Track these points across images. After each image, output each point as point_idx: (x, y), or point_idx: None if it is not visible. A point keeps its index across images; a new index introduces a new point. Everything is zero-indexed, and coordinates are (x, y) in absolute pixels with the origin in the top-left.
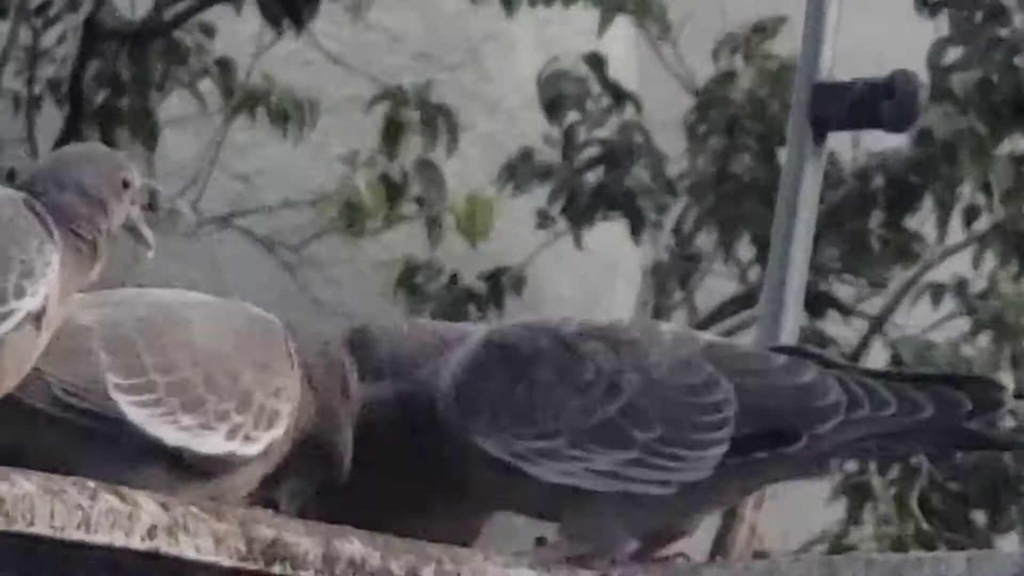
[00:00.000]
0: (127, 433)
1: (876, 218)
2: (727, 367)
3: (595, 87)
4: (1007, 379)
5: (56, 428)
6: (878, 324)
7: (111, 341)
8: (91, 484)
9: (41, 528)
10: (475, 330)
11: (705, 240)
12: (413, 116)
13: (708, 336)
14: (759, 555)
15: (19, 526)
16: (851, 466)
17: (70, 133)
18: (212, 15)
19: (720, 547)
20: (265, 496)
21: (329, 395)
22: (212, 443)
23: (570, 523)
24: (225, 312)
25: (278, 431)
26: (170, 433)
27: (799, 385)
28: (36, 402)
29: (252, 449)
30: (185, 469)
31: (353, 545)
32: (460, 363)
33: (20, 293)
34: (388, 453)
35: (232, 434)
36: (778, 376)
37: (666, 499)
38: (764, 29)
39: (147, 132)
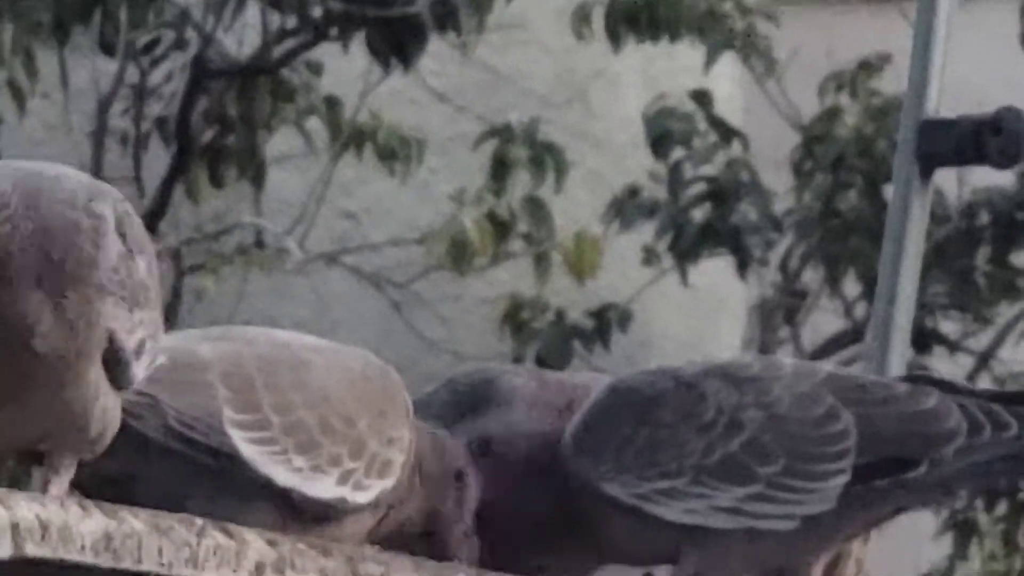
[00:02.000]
0: (239, 469)
1: (982, 254)
2: (847, 397)
3: (701, 124)
4: None
5: (168, 459)
6: (984, 360)
7: (230, 376)
8: (199, 521)
9: (149, 565)
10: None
11: (811, 276)
12: (521, 154)
13: (829, 368)
14: None
15: (127, 564)
16: (957, 503)
17: (177, 171)
18: (319, 53)
19: None
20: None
21: (436, 476)
22: (323, 487)
23: (688, 562)
24: (345, 358)
25: (389, 481)
26: (281, 473)
27: (919, 411)
28: (149, 431)
29: (363, 497)
30: (294, 511)
31: None
32: (585, 410)
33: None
34: (515, 502)
35: (343, 479)
36: (898, 403)
37: (788, 535)
38: (870, 66)
39: (254, 170)
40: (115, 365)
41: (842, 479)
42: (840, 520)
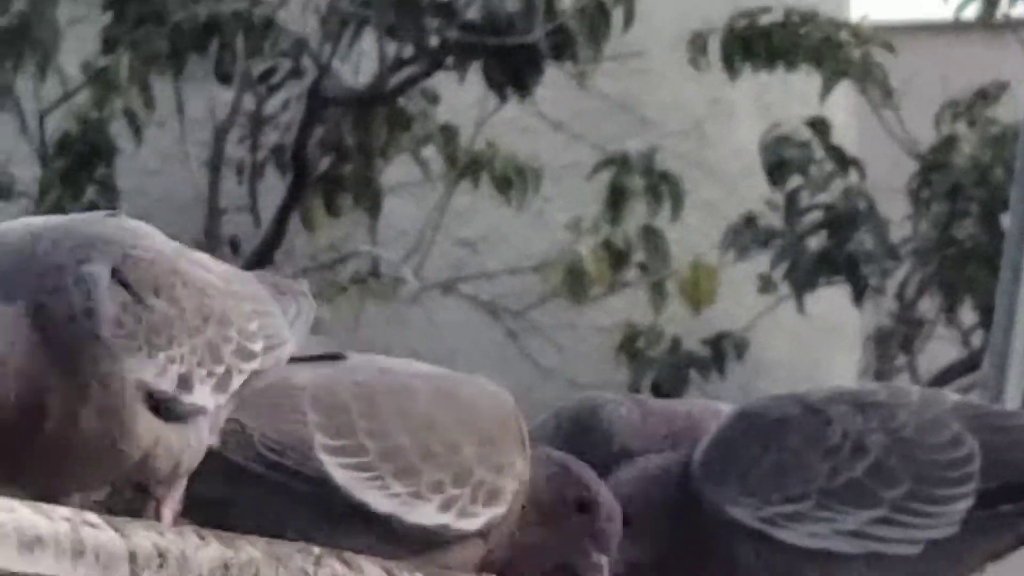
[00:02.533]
0: (333, 495)
1: None
2: (973, 424)
3: (818, 152)
4: None
5: (260, 484)
6: None
7: (323, 402)
8: (316, 550)
9: None
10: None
11: (928, 305)
12: (638, 183)
13: (955, 397)
14: None
15: None
16: None
17: (293, 200)
18: (435, 82)
19: None
20: None
21: (551, 504)
22: (423, 513)
23: None
24: (453, 384)
25: (499, 509)
26: (378, 499)
27: None
28: (239, 458)
29: (469, 524)
30: (395, 538)
31: None
32: (713, 435)
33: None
34: (643, 528)
35: (446, 506)
36: (1022, 431)
37: (911, 560)
38: (986, 95)
39: (370, 199)
40: (161, 407)
41: (966, 504)
42: (963, 547)
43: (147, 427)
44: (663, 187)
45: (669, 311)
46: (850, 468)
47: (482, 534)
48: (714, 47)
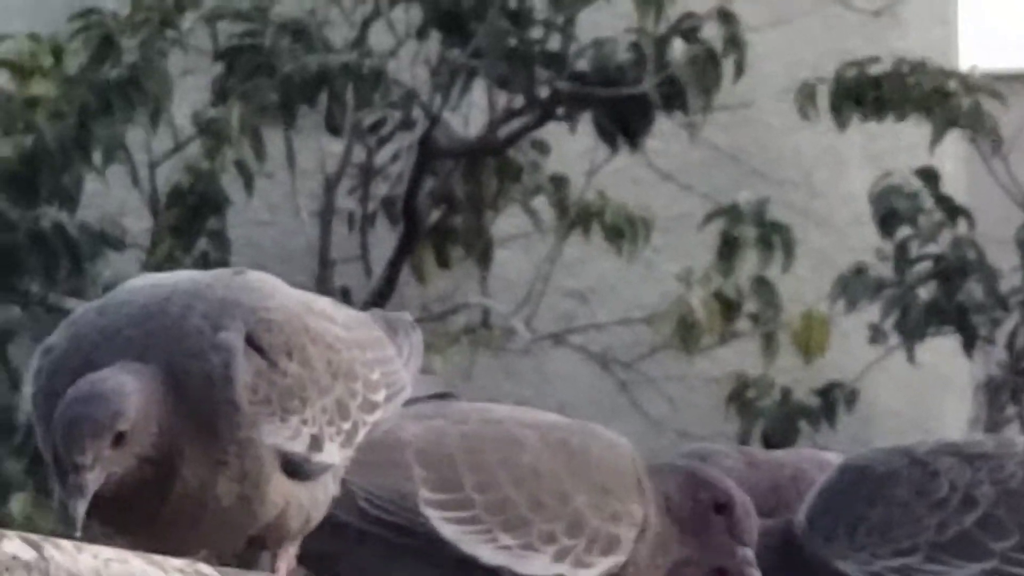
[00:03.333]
0: (441, 550)
1: None
2: None
3: (927, 202)
4: None
5: (366, 540)
6: None
7: (428, 455)
8: None
9: None
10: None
11: None
12: (749, 233)
13: None
14: None
15: None
16: None
17: (404, 251)
18: (545, 132)
19: None
20: None
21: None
22: (536, 565)
23: None
24: (564, 433)
25: (618, 558)
26: (487, 552)
27: None
28: (343, 514)
29: (586, 574)
30: None
31: None
32: (819, 489)
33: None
34: None
35: (560, 556)
36: None
37: None
38: None
39: (481, 249)
40: (293, 470)
41: None
42: None
43: (280, 490)
44: (774, 237)
45: (779, 361)
46: (959, 521)
47: None
48: (823, 97)
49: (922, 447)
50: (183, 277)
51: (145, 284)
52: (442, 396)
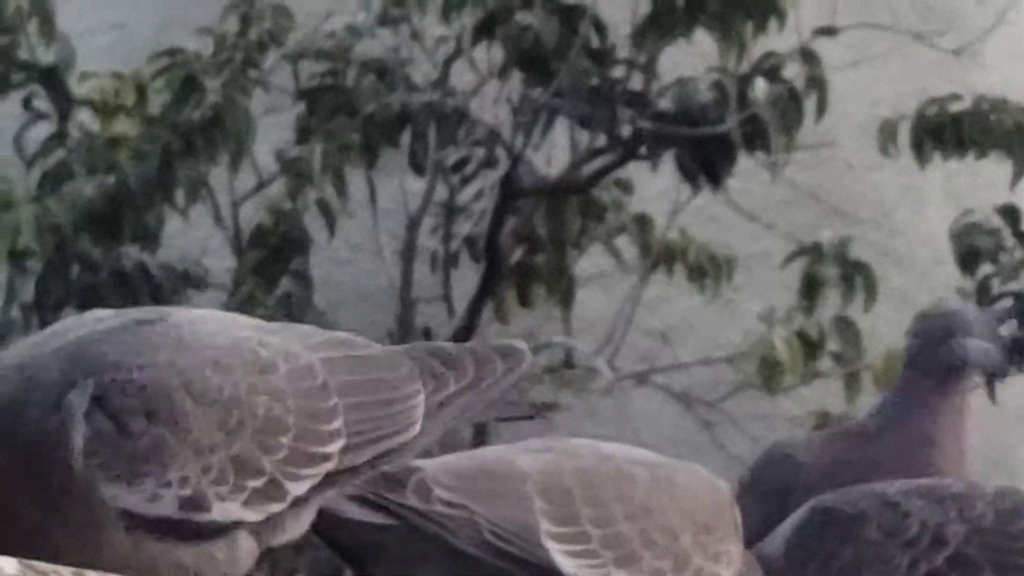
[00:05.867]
0: None
1: None
2: None
3: (1008, 240)
4: None
5: (482, 572)
6: None
7: (548, 488)
8: None
9: None
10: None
11: None
12: (831, 272)
13: None
14: None
15: None
16: None
17: (486, 290)
18: (628, 172)
19: None
20: None
21: None
22: None
23: None
24: (671, 472)
25: None
26: None
27: None
28: (465, 545)
29: None
30: None
31: None
32: (790, 528)
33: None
34: None
35: None
36: None
37: None
38: None
39: (564, 289)
40: (166, 530)
41: None
42: None
43: (135, 550)
44: (856, 277)
45: (861, 400)
46: (930, 559)
47: None
48: (904, 135)
49: (892, 488)
50: (93, 320)
51: (59, 329)
52: (530, 416)
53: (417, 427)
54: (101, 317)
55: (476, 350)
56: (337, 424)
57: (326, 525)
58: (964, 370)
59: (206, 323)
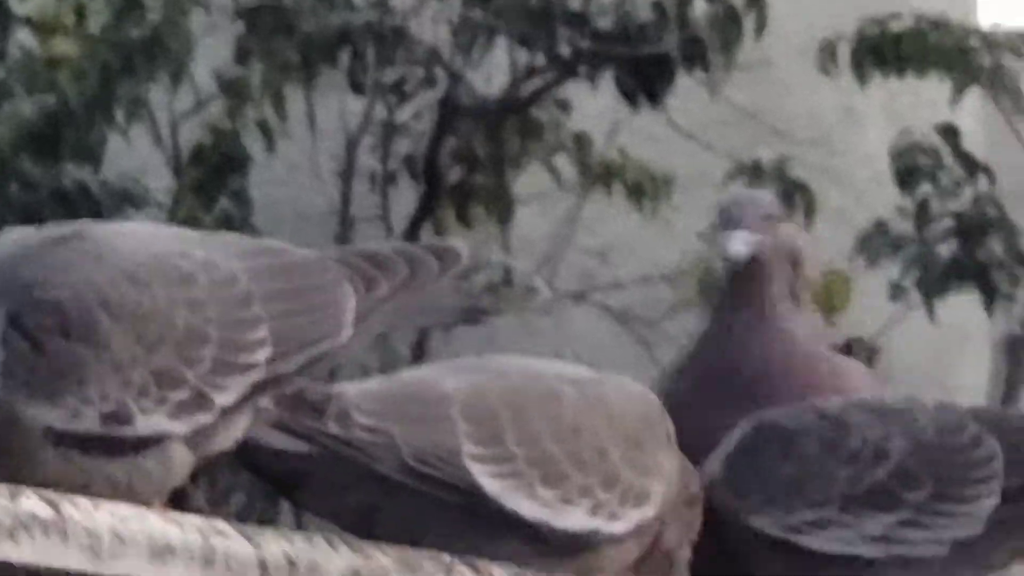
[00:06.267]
0: (482, 504)
1: None
2: (992, 425)
3: (948, 159)
4: None
5: (408, 494)
6: None
7: (472, 410)
8: (447, 558)
9: None
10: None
11: None
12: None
13: (971, 404)
14: None
15: None
16: None
17: (425, 210)
18: (567, 91)
19: None
20: None
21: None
22: (572, 518)
23: None
24: (602, 388)
25: (647, 511)
26: (527, 506)
27: None
28: (387, 470)
29: (619, 527)
30: (545, 545)
31: None
32: (731, 445)
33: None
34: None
35: (595, 510)
36: None
37: (938, 562)
38: None
39: (502, 209)
40: (91, 445)
41: (991, 502)
42: (989, 546)
43: (66, 467)
44: (796, 195)
45: None
46: (872, 473)
47: (635, 535)
48: (843, 54)
49: (832, 404)
50: (9, 241)
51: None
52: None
53: (347, 332)
54: (17, 237)
55: (409, 251)
56: (262, 333)
57: (249, 455)
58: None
59: (124, 237)
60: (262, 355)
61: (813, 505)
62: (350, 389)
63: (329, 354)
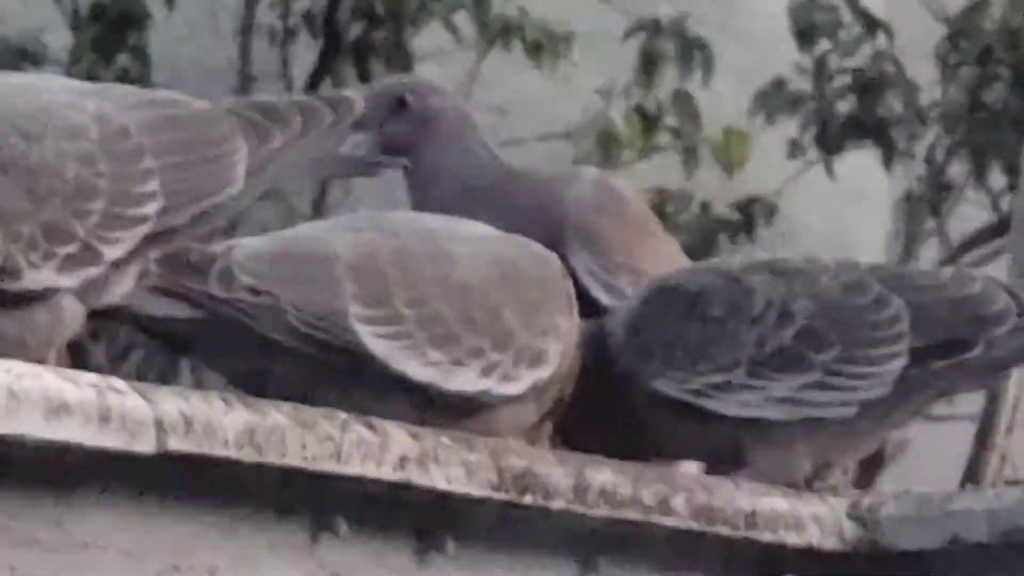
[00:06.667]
0: (369, 366)
1: None
2: (894, 284)
3: (846, 16)
4: None
5: (295, 358)
6: None
7: (360, 270)
8: (342, 415)
9: (293, 460)
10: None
11: (957, 169)
12: (669, 48)
13: (869, 261)
14: (1013, 483)
15: (271, 458)
16: None
17: (325, 67)
18: None
19: (971, 475)
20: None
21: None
22: (462, 380)
23: (752, 458)
24: (498, 247)
25: (543, 372)
26: (415, 368)
27: (967, 295)
28: (271, 332)
29: (512, 388)
30: (437, 406)
31: (604, 475)
32: (631, 308)
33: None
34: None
35: (487, 372)
36: (945, 289)
37: (846, 423)
38: None
39: (402, 65)
40: None
41: (899, 363)
42: (894, 405)
43: None
44: (694, 52)
45: (699, 177)
46: (778, 335)
47: (534, 396)
48: None
49: (732, 264)
50: None
51: None
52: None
53: (239, 184)
54: None
55: (303, 102)
56: (153, 186)
57: (136, 320)
58: None
59: (12, 90)
60: (152, 208)
61: (719, 369)
62: (237, 249)
63: (221, 207)
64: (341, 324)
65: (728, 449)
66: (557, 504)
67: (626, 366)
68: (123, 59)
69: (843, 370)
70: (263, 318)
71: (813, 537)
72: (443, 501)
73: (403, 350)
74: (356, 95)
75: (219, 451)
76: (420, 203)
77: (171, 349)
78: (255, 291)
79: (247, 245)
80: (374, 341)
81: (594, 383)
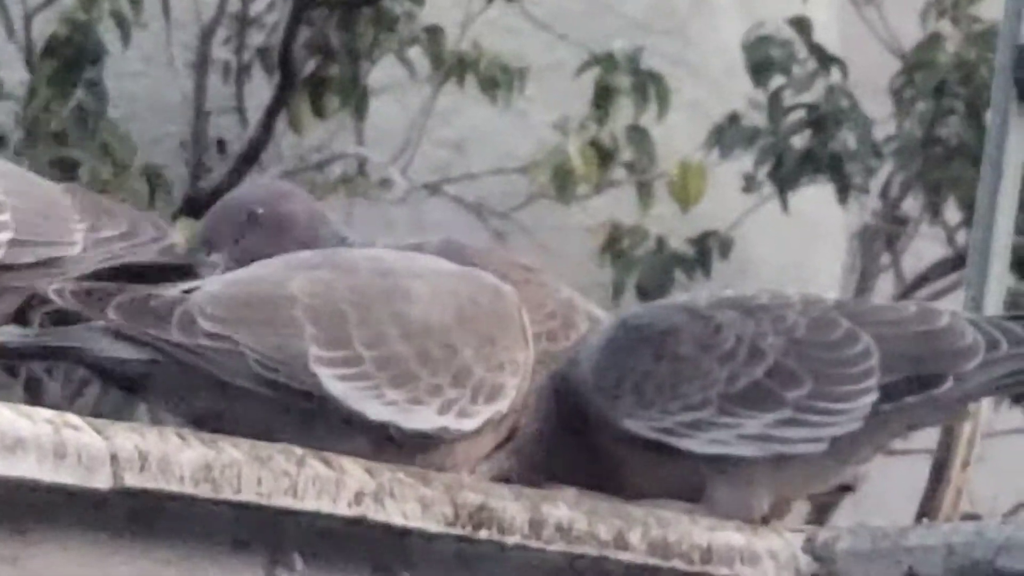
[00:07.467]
0: (328, 407)
1: None
2: (861, 320)
3: (801, 51)
4: None
5: (255, 401)
6: None
7: (318, 312)
8: (298, 451)
9: (248, 495)
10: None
11: (912, 203)
12: (624, 82)
13: (834, 296)
14: (968, 517)
15: (226, 493)
16: None
17: (280, 101)
18: None
19: (927, 509)
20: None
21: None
22: (421, 418)
23: (716, 493)
24: (453, 283)
25: (500, 406)
26: (374, 407)
27: (935, 330)
28: (232, 377)
29: (469, 424)
30: (393, 442)
31: (560, 510)
32: (598, 347)
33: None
34: (528, 443)
35: (445, 409)
36: (912, 323)
37: (814, 458)
38: None
39: (357, 100)
40: None
41: (869, 398)
42: (864, 441)
43: None
44: (649, 86)
45: (654, 211)
46: (749, 372)
47: (492, 430)
48: None
49: (699, 301)
50: None
51: None
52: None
53: (78, 247)
54: None
55: (131, 210)
56: (5, 216)
57: (87, 362)
58: None
59: None
60: (3, 236)
61: (690, 407)
62: (196, 294)
63: (60, 261)
64: (301, 367)
65: (692, 484)
66: (513, 539)
67: (596, 405)
68: (79, 94)
69: (814, 406)
70: (224, 363)
71: (768, 571)
72: (399, 536)
73: (362, 391)
74: (182, 240)
75: (175, 487)
76: None
77: (126, 390)
78: (215, 336)
79: (207, 289)
80: (333, 383)
81: (564, 422)
